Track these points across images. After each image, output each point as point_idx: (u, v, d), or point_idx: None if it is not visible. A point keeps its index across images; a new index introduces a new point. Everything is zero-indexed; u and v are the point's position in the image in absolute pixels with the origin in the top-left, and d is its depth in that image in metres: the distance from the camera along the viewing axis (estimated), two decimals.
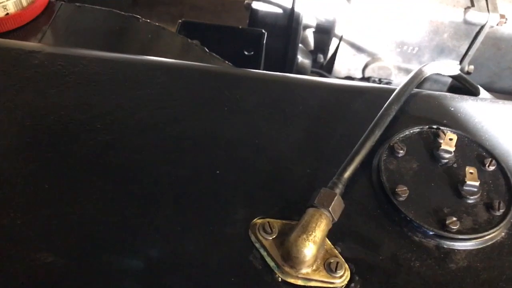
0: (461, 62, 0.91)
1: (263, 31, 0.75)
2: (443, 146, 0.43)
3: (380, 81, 0.95)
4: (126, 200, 0.40)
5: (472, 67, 0.91)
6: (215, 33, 0.75)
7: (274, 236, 0.38)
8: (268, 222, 0.39)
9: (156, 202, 0.40)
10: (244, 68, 0.66)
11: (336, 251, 0.38)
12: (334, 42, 0.94)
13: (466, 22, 0.83)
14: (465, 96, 0.51)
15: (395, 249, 0.39)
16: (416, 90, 0.51)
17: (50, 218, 0.38)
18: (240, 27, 0.77)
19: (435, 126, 0.46)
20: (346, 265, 0.37)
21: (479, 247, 0.39)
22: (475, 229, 0.39)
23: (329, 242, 0.38)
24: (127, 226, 0.38)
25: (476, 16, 0.82)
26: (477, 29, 0.84)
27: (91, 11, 0.69)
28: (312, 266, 0.37)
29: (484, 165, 0.43)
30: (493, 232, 0.39)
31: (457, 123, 0.47)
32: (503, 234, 0.40)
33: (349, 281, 0.37)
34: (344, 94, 0.50)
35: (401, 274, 0.37)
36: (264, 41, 0.74)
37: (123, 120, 0.45)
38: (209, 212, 0.40)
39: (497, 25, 0.83)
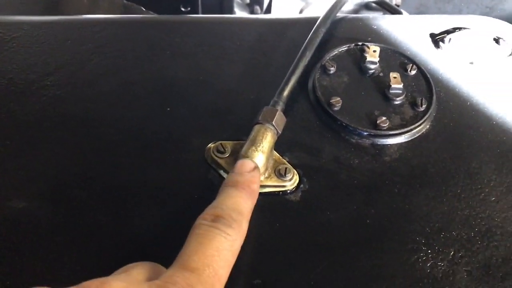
0: None
1: None
2: (368, 58, 0.48)
3: None
4: (87, 145, 0.43)
5: None
6: None
7: (227, 155, 0.42)
8: (221, 143, 0.42)
9: (115, 143, 0.43)
10: None
11: (284, 160, 0.42)
12: None
13: None
14: (386, 15, 0.55)
15: (335, 152, 0.43)
16: (342, 15, 0.56)
17: (17, 170, 0.41)
18: None
19: (360, 43, 0.50)
20: (294, 170, 0.42)
21: (408, 140, 0.44)
22: (403, 125, 0.45)
23: (277, 154, 0.43)
24: (91, 167, 0.41)
25: None
26: None
27: None
28: (265, 174, 0.41)
29: (406, 70, 0.48)
30: (419, 126, 0.45)
31: (380, 38, 0.52)
32: (427, 126, 0.45)
33: (298, 183, 0.41)
34: (277, 27, 0.54)
35: (343, 172, 0.42)
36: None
37: (72, 74, 0.47)
38: (166, 144, 0.43)
39: None
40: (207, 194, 0.38)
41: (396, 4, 0.95)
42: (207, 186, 0.41)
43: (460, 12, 1.04)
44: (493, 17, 1.07)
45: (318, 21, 0.51)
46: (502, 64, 0.51)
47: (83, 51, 0.49)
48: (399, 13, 0.68)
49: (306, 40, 0.49)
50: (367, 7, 0.71)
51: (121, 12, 0.71)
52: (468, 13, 1.05)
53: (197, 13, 0.78)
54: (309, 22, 0.53)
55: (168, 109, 0.46)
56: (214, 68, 0.49)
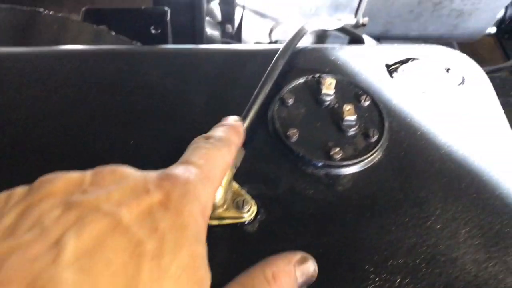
0: (356, 15, 0.99)
1: (166, 8, 0.79)
2: (324, 91, 0.50)
3: None
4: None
5: (366, 18, 1.00)
6: (120, 17, 0.78)
7: None
8: None
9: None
10: (152, 42, 0.71)
11: (243, 192, 0.44)
12: (239, 12, 0.99)
13: None
14: (343, 46, 0.58)
15: (292, 182, 0.46)
16: (302, 45, 0.58)
17: None
18: (143, 7, 0.80)
19: (317, 75, 0.53)
20: (252, 201, 0.44)
21: (360, 170, 0.47)
22: (356, 155, 0.47)
23: (236, 185, 0.45)
24: None
25: None
26: None
27: None
28: (223, 206, 0.43)
29: (360, 101, 0.51)
30: (370, 156, 0.47)
31: (337, 69, 0.55)
32: (379, 156, 0.48)
33: (256, 214, 0.43)
34: (239, 58, 0.56)
35: (298, 201, 0.44)
36: (168, 19, 0.78)
37: (37, 109, 0.49)
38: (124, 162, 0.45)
39: None
40: None
41: (362, 23, 0.98)
42: None
43: (425, 29, 1.08)
44: (457, 34, 1.11)
45: (278, 52, 0.53)
46: (452, 93, 0.53)
47: (48, 84, 0.51)
48: (360, 37, 0.71)
49: (266, 73, 0.51)
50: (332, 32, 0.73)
51: (91, 37, 0.72)
52: (433, 30, 1.08)
53: (167, 35, 0.79)
54: (271, 52, 0.55)
55: (132, 142, 0.47)
56: (178, 100, 0.51)
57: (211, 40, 1.01)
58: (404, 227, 0.43)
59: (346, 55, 0.56)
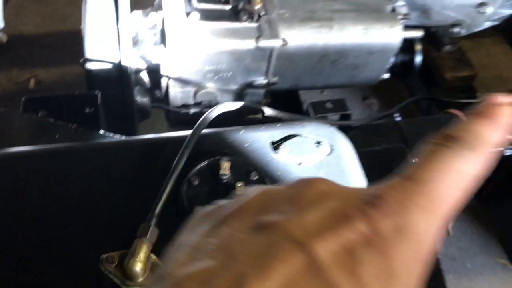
0: (266, 76, 1.15)
1: (97, 92, 0.92)
2: (221, 171, 0.64)
3: (210, 104, 1.16)
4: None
5: (276, 78, 1.16)
6: (57, 102, 0.90)
7: (116, 263, 0.57)
8: (111, 255, 0.57)
9: (24, 260, 0.56)
10: (88, 124, 0.84)
11: (160, 262, 0.58)
12: (165, 79, 1.13)
13: (259, 48, 1.07)
14: (239, 128, 0.72)
15: None
16: (207, 130, 0.72)
17: None
18: (77, 92, 0.93)
19: (217, 157, 0.67)
20: None
21: None
22: None
23: (154, 256, 0.58)
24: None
25: (265, 43, 1.06)
26: (269, 52, 1.08)
27: None
28: (144, 275, 0.56)
29: (249, 176, 0.65)
30: None
31: (234, 150, 0.69)
32: None
33: None
34: (153, 147, 0.70)
35: None
36: (99, 101, 0.91)
37: None
38: (68, 255, 0.57)
39: (281, 46, 1.08)
40: None
41: (273, 82, 1.14)
42: None
43: (329, 80, 1.25)
44: (357, 82, 1.29)
45: (186, 140, 0.67)
46: (322, 162, 0.69)
47: None
48: (261, 110, 0.86)
49: (174, 162, 0.64)
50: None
51: (30, 126, 0.84)
52: (336, 80, 1.26)
53: (98, 114, 0.92)
54: (181, 139, 0.69)
55: (70, 229, 0.60)
56: (105, 191, 0.64)
57: (142, 106, 1.14)
58: None
59: (241, 137, 0.71)
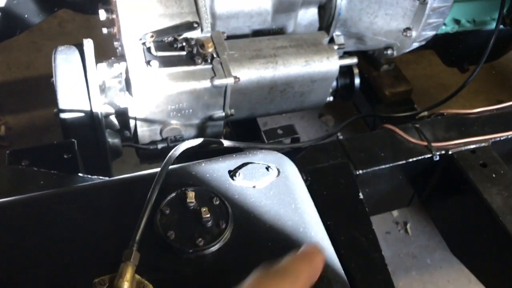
0: (224, 109, 1.28)
1: (73, 140, 1.04)
2: (188, 200, 0.77)
3: (175, 138, 1.29)
4: None
5: (232, 110, 1.30)
6: (39, 152, 1.02)
7: (107, 285, 0.68)
8: (102, 278, 0.69)
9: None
10: (67, 169, 0.95)
11: (144, 280, 0.70)
12: (133, 120, 1.25)
13: (214, 86, 1.21)
14: (202, 162, 0.85)
15: (174, 267, 0.72)
16: (173, 166, 0.85)
17: None
18: (55, 142, 1.05)
19: (183, 188, 0.80)
20: (150, 285, 0.69)
21: (217, 249, 0.74)
22: (212, 240, 0.74)
23: (138, 276, 0.70)
24: None
25: (219, 82, 1.20)
26: (224, 88, 1.22)
27: None
28: None
29: (212, 202, 0.79)
30: (222, 238, 0.75)
31: (199, 180, 0.82)
32: (228, 237, 0.75)
33: None
34: (129, 185, 0.82)
35: (182, 277, 0.71)
36: (76, 148, 1.03)
37: None
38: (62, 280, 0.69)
39: (234, 83, 1.22)
40: None
41: (231, 114, 1.28)
42: None
43: (281, 107, 1.40)
44: (305, 106, 1.44)
45: (156, 177, 0.80)
46: (272, 183, 0.83)
47: None
48: (220, 142, 1.00)
49: (148, 194, 0.77)
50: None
51: (14, 177, 0.94)
52: (287, 107, 1.41)
53: (76, 159, 1.04)
54: (152, 176, 0.81)
55: (64, 260, 0.71)
56: (90, 226, 0.76)
57: (113, 147, 1.26)
58: None
59: (203, 169, 0.84)
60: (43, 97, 2.28)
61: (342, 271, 0.74)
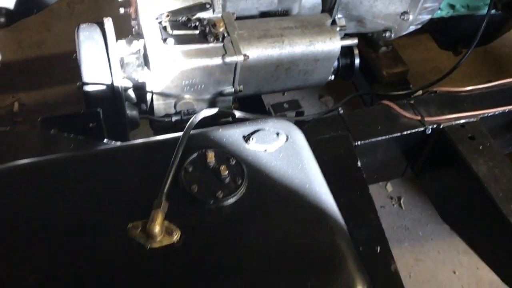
0: (233, 85, 1.38)
1: (99, 109, 1.14)
2: (208, 160, 0.88)
3: (188, 112, 1.39)
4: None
5: (241, 86, 1.40)
6: (67, 120, 1.12)
7: (139, 229, 0.79)
8: (135, 223, 0.80)
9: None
10: (92, 136, 1.06)
11: (172, 225, 0.81)
12: (149, 94, 1.35)
13: (225, 63, 1.30)
14: (217, 127, 0.96)
15: (197, 215, 0.83)
16: (194, 131, 0.95)
17: None
18: (82, 111, 1.15)
19: (204, 150, 0.91)
20: (178, 230, 0.80)
21: (234, 201, 0.85)
22: (230, 193, 0.85)
23: (167, 221, 0.81)
24: None
25: (230, 59, 1.30)
26: (234, 65, 1.32)
27: None
28: (161, 235, 0.79)
29: (229, 162, 0.89)
30: (239, 192, 0.85)
31: (217, 144, 0.93)
32: (244, 192, 0.86)
33: (180, 236, 0.80)
34: (154, 148, 0.93)
35: (206, 224, 0.82)
36: (101, 116, 1.13)
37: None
38: (102, 230, 0.80)
39: (244, 60, 1.32)
40: (130, 253, 0.75)
41: (240, 90, 1.38)
42: (132, 248, 0.78)
43: (286, 85, 1.50)
44: (309, 84, 1.53)
45: (179, 140, 0.91)
46: (281, 148, 0.94)
47: None
48: (232, 114, 1.10)
49: (174, 154, 0.88)
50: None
51: (43, 143, 1.04)
52: (291, 84, 1.50)
53: (101, 127, 1.14)
54: (174, 140, 0.92)
55: (102, 210, 0.82)
56: (121, 183, 0.87)
57: (131, 118, 1.36)
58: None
59: (220, 134, 0.95)
60: (54, 75, 2.37)
61: (343, 221, 0.85)
